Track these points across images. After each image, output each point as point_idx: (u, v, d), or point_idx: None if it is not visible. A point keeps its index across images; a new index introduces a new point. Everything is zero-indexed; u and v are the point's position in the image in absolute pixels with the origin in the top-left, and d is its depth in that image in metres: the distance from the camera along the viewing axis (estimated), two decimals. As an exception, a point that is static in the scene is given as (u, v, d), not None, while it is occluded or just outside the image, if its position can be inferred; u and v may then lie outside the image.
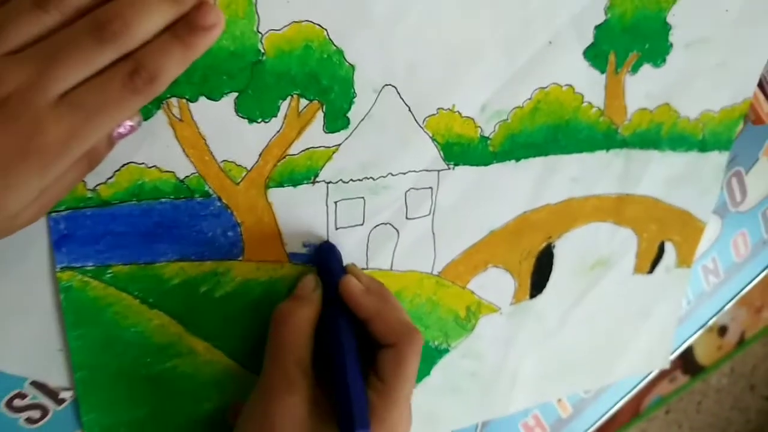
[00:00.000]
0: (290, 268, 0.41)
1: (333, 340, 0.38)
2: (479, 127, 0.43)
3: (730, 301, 0.67)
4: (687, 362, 1.32)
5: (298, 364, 0.37)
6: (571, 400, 0.63)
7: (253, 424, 0.36)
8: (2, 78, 0.27)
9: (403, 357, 0.36)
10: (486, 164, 0.45)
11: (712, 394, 1.46)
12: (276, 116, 0.37)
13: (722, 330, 1.34)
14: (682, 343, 0.66)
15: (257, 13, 0.34)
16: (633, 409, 1.30)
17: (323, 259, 0.41)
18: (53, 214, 0.34)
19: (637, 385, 0.65)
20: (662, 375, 1.28)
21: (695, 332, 0.67)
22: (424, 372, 0.50)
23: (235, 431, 0.37)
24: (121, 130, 0.32)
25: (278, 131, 0.37)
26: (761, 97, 0.56)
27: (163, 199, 0.36)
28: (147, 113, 0.34)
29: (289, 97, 0.37)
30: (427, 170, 0.43)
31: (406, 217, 0.44)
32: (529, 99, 0.44)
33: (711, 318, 0.67)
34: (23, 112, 0.27)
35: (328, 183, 0.40)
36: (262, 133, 0.37)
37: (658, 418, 1.37)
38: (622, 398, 0.65)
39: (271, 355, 0.37)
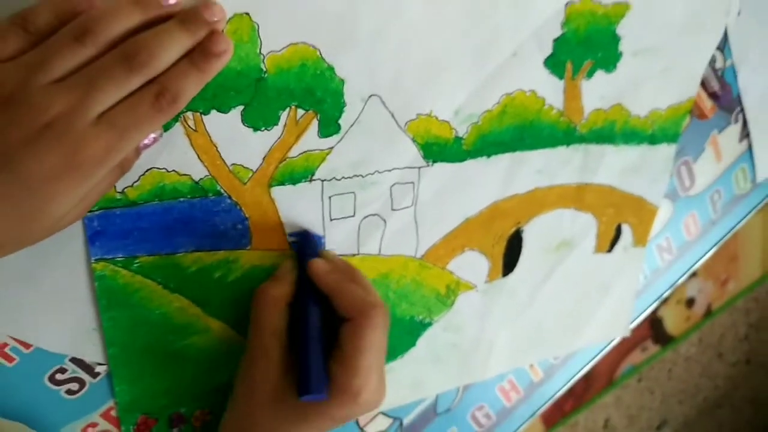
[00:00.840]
0: (291, 255, 0.43)
1: (300, 315, 0.39)
2: (454, 129, 0.45)
3: (683, 275, 0.69)
4: (657, 333, 1.30)
5: (273, 335, 0.39)
6: (542, 365, 0.64)
7: (241, 385, 0.40)
8: (50, 103, 0.29)
9: (359, 329, 0.37)
10: (461, 161, 0.47)
11: (682, 362, 1.45)
12: (277, 125, 0.39)
13: (690, 302, 1.33)
14: (641, 313, 0.67)
15: (259, 37, 0.37)
16: (607, 378, 1.29)
17: (300, 245, 0.43)
18: (88, 214, 0.37)
19: (601, 351, 0.66)
20: (634, 345, 1.30)
21: (653, 303, 0.68)
22: (410, 343, 0.52)
23: (231, 393, 0.41)
24: (147, 141, 0.35)
25: (279, 137, 0.40)
26: (704, 95, 0.58)
27: (181, 199, 0.39)
28: (167, 125, 0.37)
29: (288, 108, 0.39)
30: (409, 167, 0.45)
31: (392, 209, 0.46)
32: (497, 103, 0.46)
33: (667, 290, 0.68)
34: (68, 132, 0.29)
35: (323, 181, 0.42)
36: (265, 139, 0.39)
37: (631, 386, 1.37)
38: (588, 363, 0.66)
39: (252, 327, 0.40)
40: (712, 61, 0.57)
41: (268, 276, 0.43)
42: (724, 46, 0.58)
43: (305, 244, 0.43)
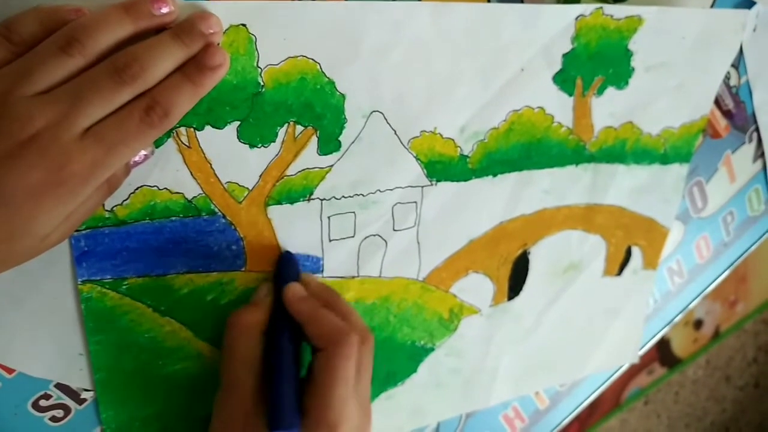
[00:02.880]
0: (268, 279, 0.42)
1: (271, 343, 0.38)
2: (459, 146, 0.45)
3: (694, 299, 0.68)
4: (664, 355, 1.31)
5: (245, 365, 0.37)
6: (548, 393, 0.63)
7: (215, 417, 0.38)
8: (33, 116, 0.28)
9: (330, 359, 0.36)
10: (466, 180, 0.46)
11: (689, 385, 1.45)
12: (274, 141, 0.39)
13: (698, 324, 1.33)
14: (651, 339, 0.67)
15: (257, 49, 0.36)
16: (613, 401, 1.30)
17: (278, 268, 0.42)
18: (75, 233, 0.36)
19: (609, 378, 0.66)
20: (640, 368, 1.29)
21: (663, 328, 0.67)
22: (411, 369, 0.51)
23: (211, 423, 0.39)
24: (137, 159, 0.34)
25: (276, 155, 0.39)
26: (718, 113, 0.57)
27: (173, 218, 0.38)
28: (159, 141, 0.36)
29: (286, 124, 0.39)
30: (411, 186, 0.44)
31: (393, 229, 0.45)
32: (504, 120, 0.45)
33: (677, 315, 0.68)
34: (53, 146, 0.29)
35: (322, 200, 0.42)
36: (262, 156, 0.39)
37: (638, 409, 1.37)
38: (595, 390, 0.66)
39: (224, 355, 0.38)
40: (727, 78, 0.57)
41: None
42: (738, 62, 0.57)
43: (284, 267, 0.42)
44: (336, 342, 0.36)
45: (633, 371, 1.25)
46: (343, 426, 0.36)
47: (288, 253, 0.42)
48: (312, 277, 0.43)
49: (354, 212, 0.43)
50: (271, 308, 0.40)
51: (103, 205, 0.36)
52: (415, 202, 0.45)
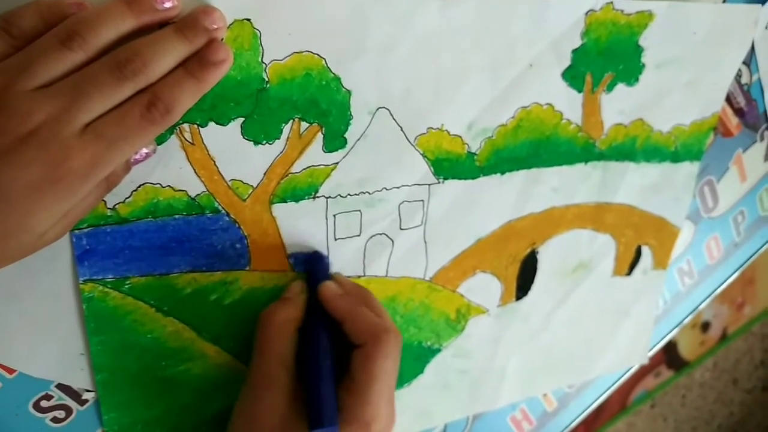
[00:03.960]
0: (293, 276, 0.42)
1: (309, 341, 0.38)
2: (466, 144, 0.44)
3: (704, 300, 0.68)
4: (671, 357, 1.31)
5: (281, 362, 0.37)
6: (556, 394, 0.63)
7: (242, 417, 0.37)
8: (33, 110, 0.28)
9: (370, 356, 0.36)
10: (473, 178, 0.46)
11: (696, 388, 1.44)
12: (279, 138, 0.38)
13: (705, 326, 1.33)
14: (660, 340, 0.66)
15: (261, 45, 0.35)
16: (620, 403, 1.29)
17: (311, 267, 0.42)
18: (76, 231, 0.35)
19: (618, 380, 0.66)
20: (647, 370, 1.28)
21: (672, 330, 0.67)
22: (417, 370, 0.51)
23: (229, 424, 0.38)
24: (137, 156, 0.34)
25: (281, 152, 0.39)
26: (729, 111, 0.57)
27: (176, 216, 0.37)
28: (161, 138, 0.35)
29: (291, 121, 0.38)
30: (418, 184, 0.44)
31: (400, 228, 0.45)
32: (512, 117, 0.45)
33: (687, 316, 0.67)
34: (52, 142, 0.28)
35: (327, 198, 0.41)
36: (267, 153, 0.38)
37: (644, 412, 1.36)
38: (604, 392, 0.65)
39: (257, 353, 0.38)
40: (738, 75, 0.56)
41: (268, 298, 0.42)
42: (750, 60, 0.57)
43: (316, 266, 0.42)
44: (376, 339, 0.37)
45: (640, 374, 1.25)
46: (377, 423, 0.36)
47: (318, 252, 0.42)
48: (343, 276, 0.44)
49: (360, 210, 0.43)
50: (304, 305, 0.40)
51: (105, 203, 0.36)
52: (422, 200, 0.45)
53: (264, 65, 0.36)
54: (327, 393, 0.36)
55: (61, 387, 0.39)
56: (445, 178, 0.45)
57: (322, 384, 0.36)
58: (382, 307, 0.41)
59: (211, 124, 0.36)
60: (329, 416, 0.35)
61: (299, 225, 0.41)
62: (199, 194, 0.38)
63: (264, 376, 0.37)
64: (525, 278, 0.53)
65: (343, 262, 0.44)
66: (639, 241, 0.57)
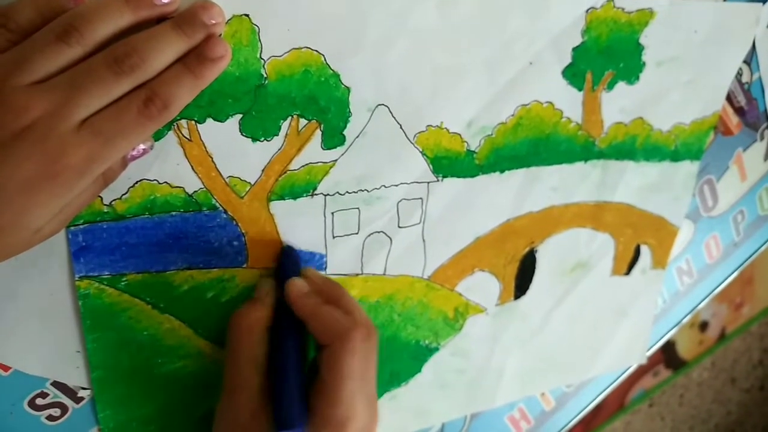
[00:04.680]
0: (270, 275, 0.41)
1: (275, 341, 0.37)
2: (466, 141, 0.44)
3: (703, 299, 0.68)
4: (669, 357, 1.30)
5: (251, 363, 0.36)
6: (554, 393, 0.63)
7: (219, 419, 0.37)
8: (29, 106, 0.28)
9: (335, 355, 0.35)
10: (472, 176, 0.45)
11: (694, 387, 1.44)
12: (277, 135, 0.38)
13: (703, 325, 1.33)
14: (659, 340, 0.66)
15: (260, 40, 0.35)
16: (617, 403, 1.29)
17: (280, 262, 0.41)
18: (72, 228, 0.35)
19: (616, 380, 0.65)
20: (645, 369, 1.28)
21: (671, 329, 0.67)
22: (415, 369, 0.51)
23: (213, 426, 0.38)
24: (134, 153, 0.34)
25: (279, 149, 0.38)
26: (729, 110, 0.56)
27: (173, 213, 0.37)
28: (159, 134, 0.35)
29: (290, 118, 0.38)
30: (417, 182, 0.44)
31: (398, 226, 0.45)
32: (512, 115, 0.45)
33: (686, 316, 0.67)
34: (48, 137, 0.28)
35: (325, 195, 0.41)
36: (265, 150, 0.38)
37: (642, 412, 1.36)
38: (602, 392, 0.65)
39: (228, 354, 0.37)
40: (739, 74, 0.56)
41: None
42: (751, 58, 0.56)
43: (285, 262, 0.41)
44: (340, 338, 0.36)
45: (638, 373, 1.25)
46: (352, 423, 0.35)
47: (289, 247, 0.42)
48: (313, 271, 0.43)
49: (358, 208, 0.43)
50: (273, 305, 0.39)
51: (102, 199, 0.35)
52: (421, 198, 0.45)
53: (262, 61, 0.36)
54: (293, 393, 0.35)
55: (56, 385, 0.39)
56: (444, 176, 0.45)
57: (287, 384, 0.35)
58: (355, 303, 0.39)
59: (209, 120, 0.36)
60: (295, 417, 0.35)
61: (297, 222, 0.41)
62: (196, 191, 0.37)
63: (235, 378, 0.37)
64: (523, 277, 0.52)
65: (341, 259, 0.44)
66: (638, 240, 0.57)
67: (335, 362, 0.35)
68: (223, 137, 0.37)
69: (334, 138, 0.40)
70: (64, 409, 0.40)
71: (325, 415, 0.35)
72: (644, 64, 0.49)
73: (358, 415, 0.36)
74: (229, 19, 0.34)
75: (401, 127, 0.42)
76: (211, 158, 0.37)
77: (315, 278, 0.41)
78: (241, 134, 0.37)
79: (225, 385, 0.37)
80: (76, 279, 0.36)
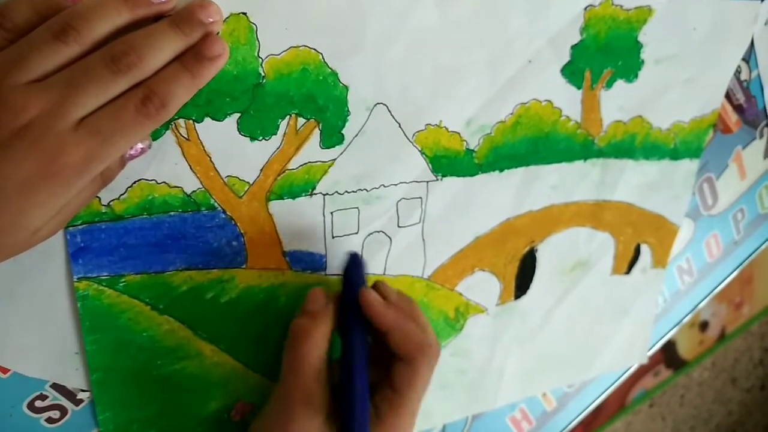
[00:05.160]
0: (290, 275, 0.42)
1: (345, 352, 0.38)
2: (465, 140, 0.44)
3: (704, 298, 0.68)
4: (670, 357, 1.30)
5: (317, 378, 0.36)
6: (556, 394, 0.63)
7: (275, 430, 0.37)
8: (26, 105, 0.28)
9: (416, 370, 0.37)
10: (472, 175, 0.45)
11: (695, 387, 1.44)
12: (276, 134, 0.38)
13: (703, 325, 1.33)
14: (660, 339, 0.66)
15: (258, 39, 0.35)
16: (618, 403, 1.29)
17: (348, 270, 0.41)
18: (70, 229, 0.35)
19: (618, 379, 0.65)
20: (646, 369, 1.27)
21: (672, 329, 0.67)
22: None
23: None
24: (133, 152, 0.34)
25: (278, 148, 0.38)
26: (729, 108, 0.56)
27: (171, 213, 0.37)
28: (156, 133, 0.35)
29: (288, 117, 0.38)
30: (416, 181, 0.44)
31: (398, 225, 0.45)
32: (511, 114, 0.45)
33: (687, 315, 0.67)
34: (46, 136, 0.28)
35: (324, 195, 0.41)
36: (263, 149, 0.38)
37: (643, 412, 1.36)
38: (603, 392, 0.65)
39: (291, 368, 0.37)
40: (737, 71, 0.56)
41: (265, 296, 0.42)
42: (749, 56, 0.56)
43: (353, 270, 0.40)
44: (423, 352, 0.37)
45: (639, 373, 1.25)
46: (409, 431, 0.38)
47: (355, 254, 0.41)
48: (386, 283, 0.43)
49: (357, 208, 0.43)
50: (334, 317, 0.39)
51: (100, 200, 0.35)
52: (420, 197, 0.44)
53: (260, 60, 0.36)
54: (364, 408, 0.36)
55: (55, 387, 0.39)
56: (444, 176, 0.44)
57: (359, 401, 0.36)
58: (427, 321, 0.40)
59: (207, 119, 0.36)
60: (365, 427, 0.35)
61: (296, 222, 0.41)
62: (194, 191, 0.37)
63: (301, 392, 0.36)
64: (524, 277, 0.52)
65: (340, 259, 0.43)
66: (638, 239, 0.57)
67: (414, 375, 0.37)
68: (221, 136, 0.37)
69: (332, 137, 0.40)
70: (63, 411, 0.39)
71: (392, 424, 0.37)
72: (643, 61, 0.48)
73: (413, 425, 0.38)
74: (227, 18, 0.34)
75: (400, 126, 0.41)
76: (210, 158, 0.37)
77: (389, 290, 0.41)
78: (240, 133, 0.37)
79: (284, 396, 0.37)
80: (75, 280, 0.36)
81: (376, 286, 0.41)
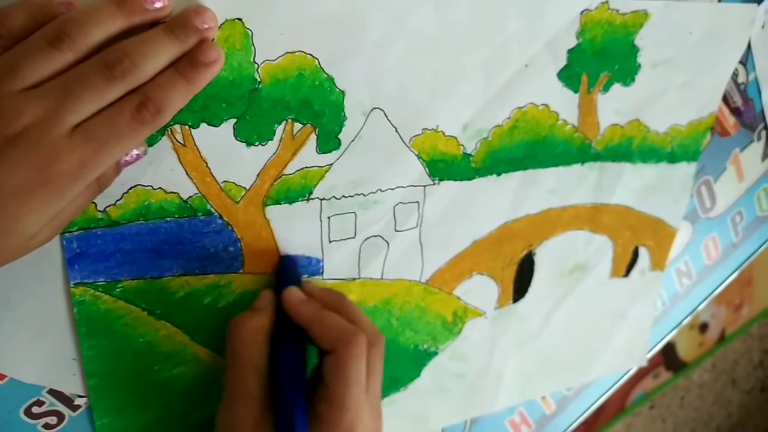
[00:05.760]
0: (271, 283, 0.41)
1: (276, 350, 0.37)
2: (462, 145, 0.44)
3: (703, 301, 0.67)
4: (669, 359, 1.30)
5: (254, 371, 0.36)
6: (555, 397, 0.62)
7: (219, 427, 0.36)
8: (21, 111, 0.28)
9: (341, 361, 0.35)
10: (469, 179, 0.45)
11: (695, 389, 1.44)
12: (272, 139, 0.38)
13: (703, 327, 1.33)
14: (659, 342, 0.66)
15: (253, 45, 0.35)
16: (618, 405, 1.29)
17: (280, 272, 0.41)
18: (66, 234, 0.35)
19: (617, 382, 0.65)
20: (646, 371, 1.28)
21: (671, 331, 0.66)
22: (414, 374, 0.50)
23: None
24: (128, 158, 0.34)
25: (274, 153, 0.38)
26: (726, 111, 0.56)
27: (168, 218, 0.37)
28: (152, 139, 0.35)
29: (284, 122, 0.38)
30: (413, 186, 0.43)
31: (395, 230, 0.44)
32: (508, 118, 0.45)
33: (685, 318, 0.67)
34: (41, 143, 0.28)
35: (321, 200, 0.41)
36: (260, 155, 0.38)
37: (643, 414, 1.36)
38: (602, 395, 0.65)
39: (230, 362, 0.37)
40: (735, 74, 0.56)
41: None
42: (746, 59, 0.56)
43: (284, 272, 0.41)
44: (345, 343, 0.35)
45: (638, 375, 1.25)
46: (358, 428, 0.35)
47: (287, 256, 0.41)
48: (313, 282, 0.42)
49: (354, 212, 0.42)
50: (274, 314, 0.38)
51: (96, 205, 0.35)
52: (418, 202, 0.44)
53: (256, 65, 0.36)
54: (296, 402, 0.35)
55: (52, 393, 0.39)
56: (441, 180, 0.44)
57: (290, 393, 0.35)
58: (358, 310, 0.39)
59: (203, 125, 0.36)
60: (299, 425, 0.34)
61: (293, 227, 0.41)
62: (191, 196, 0.37)
63: (237, 386, 0.36)
64: (522, 280, 0.52)
65: (337, 264, 0.43)
66: (636, 242, 0.57)
67: (340, 368, 0.35)
68: (217, 142, 0.36)
69: (329, 142, 0.40)
70: (60, 417, 0.39)
71: (331, 422, 0.35)
72: (639, 65, 0.48)
73: (364, 422, 0.36)
74: (222, 24, 0.34)
75: (397, 131, 0.41)
76: (206, 163, 0.37)
77: (314, 288, 0.40)
78: (236, 139, 0.37)
79: (225, 393, 0.37)
80: (72, 286, 0.36)
81: (303, 286, 0.40)
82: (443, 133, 0.43)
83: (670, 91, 0.51)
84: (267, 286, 0.41)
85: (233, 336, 0.37)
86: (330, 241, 0.42)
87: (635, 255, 0.58)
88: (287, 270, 0.41)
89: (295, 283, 0.39)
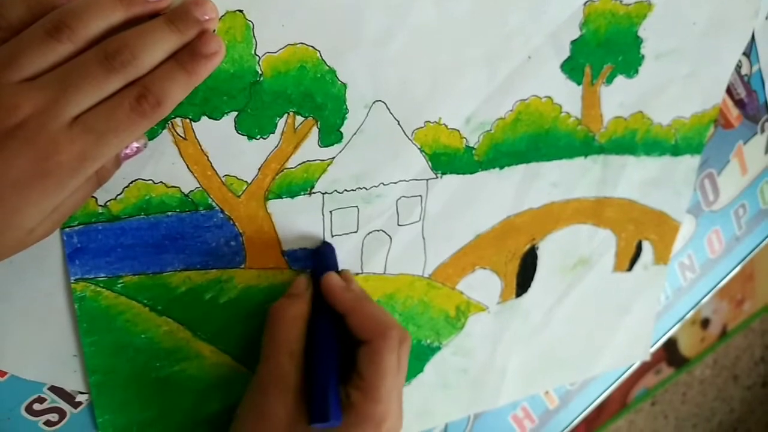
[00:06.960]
0: (289, 274, 0.41)
1: (311, 336, 0.38)
2: (464, 138, 0.44)
3: (706, 294, 0.67)
4: (671, 355, 1.30)
5: (291, 357, 0.37)
6: (558, 392, 0.62)
7: (250, 413, 0.37)
8: (19, 103, 0.27)
9: (376, 352, 0.36)
10: (471, 172, 0.45)
11: (697, 385, 1.44)
12: (273, 133, 0.37)
13: (705, 323, 1.33)
14: (662, 336, 0.66)
15: (254, 37, 0.35)
16: (620, 401, 1.29)
17: (317, 259, 0.41)
18: (67, 229, 0.35)
19: (620, 377, 0.65)
20: (648, 367, 1.27)
21: (674, 325, 0.66)
22: (417, 369, 0.50)
23: (234, 421, 0.38)
24: (128, 151, 0.33)
25: (276, 146, 0.38)
26: (730, 103, 0.56)
27: (169, 213, 0.37)
28: (153, 133, 0.35)
29: (286, 115, 0.37)
30: (416, 179, 0.43)
31: (398, 224, 0.44)
32: (511, 110, 0.44)
33: (689, 311, 0.67)
34: (40, 135, 0.28)
35: (323, 194, 0.41)
36: (261, 148, 0.38)
37: (645, 410, 1.36)
38: (606, 390, 0.65)
39: (267, 348, 0.37)
40: (738, 66, 0.56)
41: (265, 296, 0.41)
42: (750, 50, 0.56)
43: (323, 258, 0.41)
44: (382, 334, 0.36)
45: (640, 371, 1.25)
46: (388, 421, 0.36)
47: (327, 243, 0.42)
48: (350, 274, 0.43)
49: (357, 206, 0.42)
50: (311, 300, 0.39)
51: (96, 200, 0.35)
52: (420, 195, 0.44)
53: (257, 58, 0.35)
54: (331, 387, 0.35)
55: (54, 389, 0.38)
56: (443, 173, 0.44)
57: (325, 379, 0.35)
58: (384, 309, 0.40)
59: (204, 118, 0.36)
60: (333, 411, 0.34)
61: (295, 221, 0.41)
62: (192, 190, 0.37)
63: (274, 372, 0.37)
64: (525, 275, 0.52)
65: (340, 258, 0.43)
66: (639, 236, 0.57)
67: (376, 358, 0.36)
68: (218, 135, 0.36)
69: (331, 135, 0.39)
70: (62, 414, 0.39)
71: (362, 411, 0.35)
72: (643, 57, 0.48)
73: (393, 413, 0.36)
74: (223, 15, 0.34)
75: (399, 124, 0.41)
76: (207, 157, 0.36)
77: (351, 276, 0.41)
78: (237, 132, 0.37)
79: (258, 380, 0.37)
80: (72, 281, 0.36)
81: (342, 273, 0.41)
82: (446, 126, 0.43)
83: (674, 82, 0.50)
84: (271, 280, 0.41)
85: (275, 322, 0.38)
86: (332, 236, 0.42)
87: (638, 249, 0.57)
88: (326, 256, 0.41)
89: (333, 268, 0.40)
